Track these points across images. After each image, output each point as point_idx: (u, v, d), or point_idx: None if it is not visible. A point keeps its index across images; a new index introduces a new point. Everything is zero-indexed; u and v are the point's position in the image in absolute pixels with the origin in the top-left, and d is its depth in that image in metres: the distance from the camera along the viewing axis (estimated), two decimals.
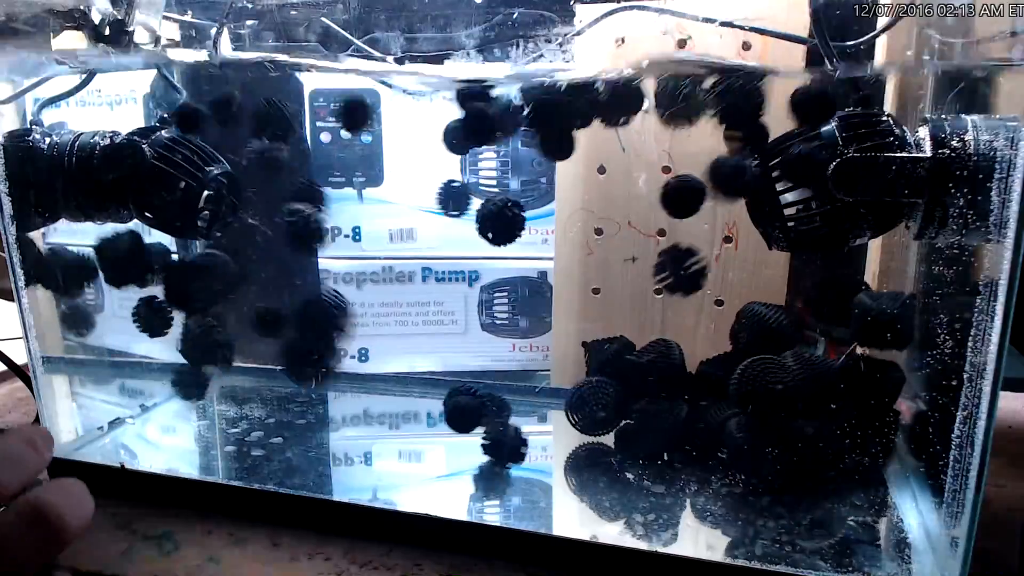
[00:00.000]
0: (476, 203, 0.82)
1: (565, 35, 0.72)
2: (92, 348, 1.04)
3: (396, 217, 1.02)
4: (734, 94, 0.66)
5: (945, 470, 0.61)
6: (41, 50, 0.75)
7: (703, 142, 0.76)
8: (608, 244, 0.91)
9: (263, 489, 0.75)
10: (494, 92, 0.74)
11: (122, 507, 0.75)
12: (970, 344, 0.57)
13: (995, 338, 0.53)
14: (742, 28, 0.67)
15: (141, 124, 0.85)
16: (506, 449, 0.80)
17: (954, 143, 0.58)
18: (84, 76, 0.82)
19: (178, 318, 0.89)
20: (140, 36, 0.74)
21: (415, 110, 0.86)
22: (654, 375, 0.77)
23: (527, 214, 1.00)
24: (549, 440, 0.89)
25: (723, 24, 0.66)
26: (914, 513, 0.70)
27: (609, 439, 0.80)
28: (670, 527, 0.68)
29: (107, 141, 0.79)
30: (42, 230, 0.93)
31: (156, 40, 0.76)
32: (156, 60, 0.82)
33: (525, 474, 0.83)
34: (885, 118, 0.62)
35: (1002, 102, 0.60)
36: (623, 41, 0.78)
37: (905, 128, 0.62)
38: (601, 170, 0.89)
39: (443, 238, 1.01)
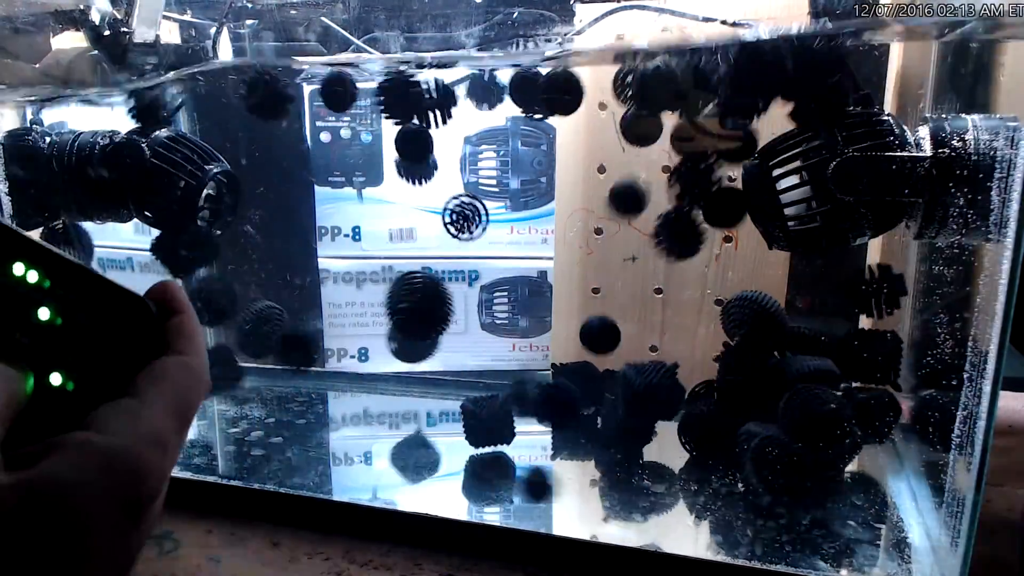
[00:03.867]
0: None
1: (565, 34, 0.72)
2: None
3: (396, 217, 1.02)
4: None
5: (945, 469, 0.61)
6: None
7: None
8: (608, 244, 0.91)
9: (263, 489, 0.75)
10: None
11: None
12: (970, 344, 0.57)
13: (995, 338, 0.53)
14: (742, 27, 0.67)
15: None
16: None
17: (954, 143, 0.58)
18: None
19: None
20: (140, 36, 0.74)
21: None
22: None
23: (527, 214, 1.00)
24: (549, 440, 0.88)
25: (722, 23, 0.66)
26: (914, 513, 0.70)
27: None
28: None
29: (107, 140, 0.79)
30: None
31: (156, 40, 0.76)
32: None
33: (525, 473, 0.83)
34: (885, 117, 0.62)
35: None
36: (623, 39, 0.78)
37: (905, 127, 0.62)
38: (601, 170, 0.89)
39: (443, 238, 1.01)
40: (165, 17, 0.76)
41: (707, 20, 0.67)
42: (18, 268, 0.26)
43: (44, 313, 0.27)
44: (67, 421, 0.25)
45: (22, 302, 0.26)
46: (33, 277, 0.26)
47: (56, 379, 0.26)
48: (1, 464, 0.23)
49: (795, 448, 0.68)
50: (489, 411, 0.80)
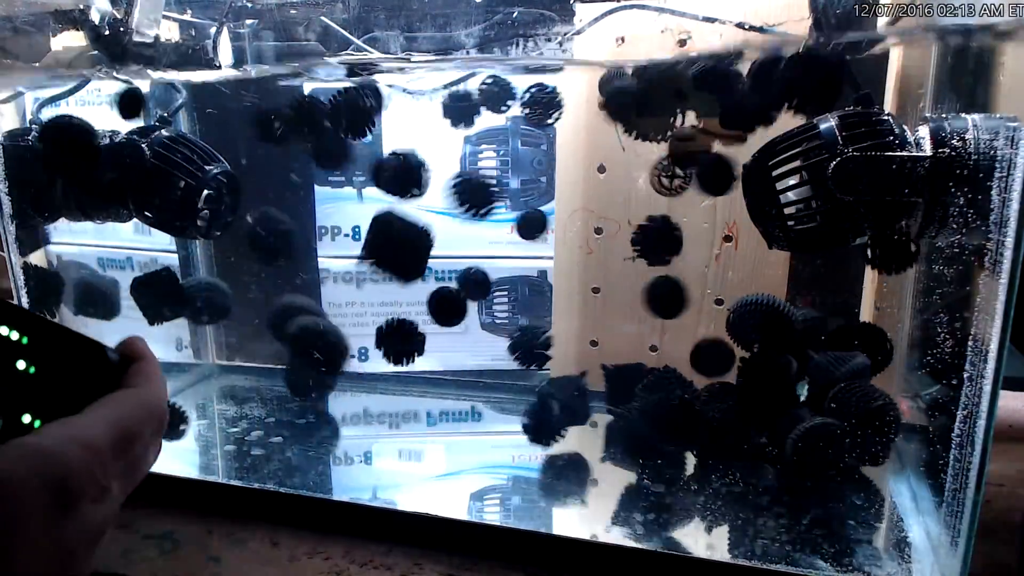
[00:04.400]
0: None
1: (565, 34, 0.72)
2: None
3: None
4: None
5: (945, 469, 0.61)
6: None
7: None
8: (608, 243, 0.91)
9: (263, 489, 0.75)
10: None
11: (122, 507, 0.75)
12: (970, 343, 0.57)
13: (995, 337, 0.53)
14: (743, 27, 0.66)
15: (140, 124, 0.85)
16: None
17: (954, 142, 0.58)
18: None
19: None
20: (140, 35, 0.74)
21: (414, 109, 0.86)
22: None
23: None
24: None
25: (724, 23, 0.66)
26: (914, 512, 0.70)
27: None
28: None
29: (107, 140, 0.79)
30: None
31: (155, 39, 0.75)
32: None
33: (525, 473, 0.83)
34: (885, 117, 0.62)
35: None
36: (623, 40, 0.78)
37: (905, 127, 0.62)
38: (601, 169, 0.89)
39: (443, 237, 1.01)
40: (165, 16, 0.76)
41: (707, 20, 0.66)
42: (2, 330, 0.33)
43: (21, 364, 0.33)
44: None
45: (2, 356, 0.32)
46: (14, 336, 0.33)
47: (27, 418, 0.32)
48: None
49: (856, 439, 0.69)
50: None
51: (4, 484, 0.27)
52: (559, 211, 0.93)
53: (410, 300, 1.05)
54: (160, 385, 0.36)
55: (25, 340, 0.33)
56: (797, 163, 0.64)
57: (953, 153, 0.58)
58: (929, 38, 0.66)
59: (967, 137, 0.58)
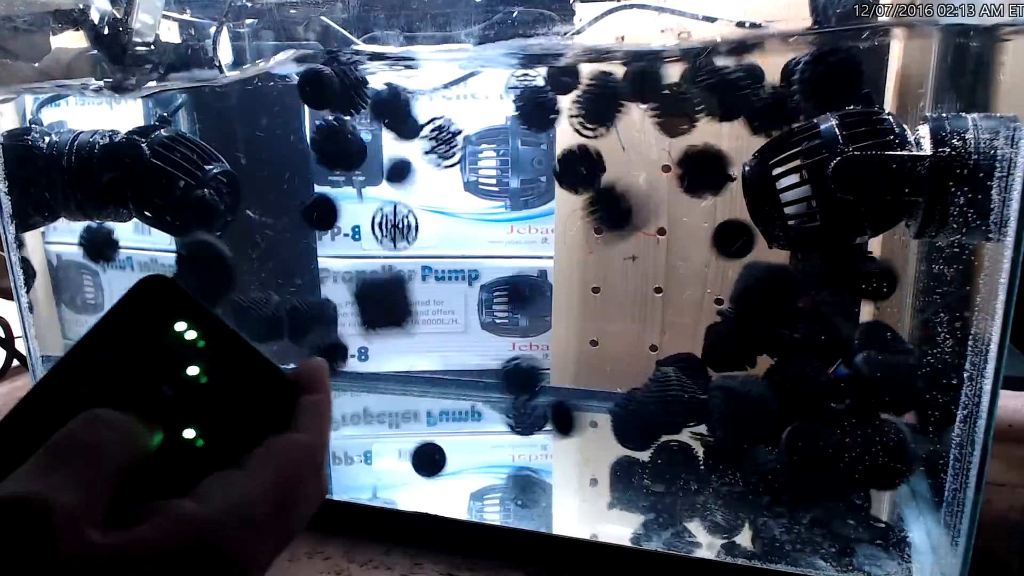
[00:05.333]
0: None
1: (565, 33, 0.72)
2: None
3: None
4: None
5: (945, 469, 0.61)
6: None
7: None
8: (608, 244, 0.91)
9: None
10: None
11: None
12: (970, 343, 0.57)
13: (995, 337, 0.53)
14: (743, 27, 0.66)
15: (140, 123, 0.85)
16: None
17: (954, 142, 0.58)
18: None
19: None
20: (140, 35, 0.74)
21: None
22: None
23: (527, 213, 1.00)
24: (548, 439, 0.88)
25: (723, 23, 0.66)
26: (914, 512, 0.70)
27: None
28: None
29: (106, 140, 0.79)
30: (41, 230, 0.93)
31: (155, 39, 0.75)
32: None
33: (525, 473, 0.83)
34: (886, 116, 0.62)
35: None
36: (623, 40, 0.78)
37: (905, 126, 0.62)
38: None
39: (443, 237, 1.01)
40: (165, 16, 0.76)
41: (707, 19, 0.66)
42: (180, 326, 0.29)
43: (193, 370, 0.29)
44: (186, 477, 0.26)
45: (176, 358, 0.29)
46: (191, 336, 0.29)
47: (189, 434, 0.28)
48: (100, 522, 0.24)
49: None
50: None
51: (153, 563, 0.24)
52: (559, 211, 0.93)
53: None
54: (329, 429, 0.31)
55: (202, 344, 0.29)
56: (797, 162, 0.64)
57: (953, 152, 0.58)
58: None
59: (967, 136, 0.58)
